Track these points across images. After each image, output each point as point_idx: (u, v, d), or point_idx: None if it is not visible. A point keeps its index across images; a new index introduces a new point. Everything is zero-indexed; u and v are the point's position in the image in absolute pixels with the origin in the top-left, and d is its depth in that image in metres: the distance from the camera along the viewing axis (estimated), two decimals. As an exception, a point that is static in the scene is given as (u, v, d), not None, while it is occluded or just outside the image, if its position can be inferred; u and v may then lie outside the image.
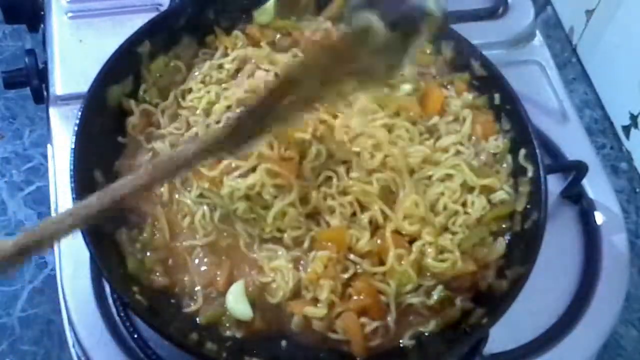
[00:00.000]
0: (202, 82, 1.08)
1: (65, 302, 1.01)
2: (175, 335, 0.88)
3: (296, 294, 0.94)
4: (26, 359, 1.55)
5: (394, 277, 0.94)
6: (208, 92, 1.06)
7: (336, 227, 0.95)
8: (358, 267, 0.95)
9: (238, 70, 1.09)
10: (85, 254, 0.97)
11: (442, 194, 1.00)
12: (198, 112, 1.05)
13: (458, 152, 1.04)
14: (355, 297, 0.93)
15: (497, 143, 1.06)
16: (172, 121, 1.06)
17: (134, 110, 1.04)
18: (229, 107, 1.03)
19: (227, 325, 0.93)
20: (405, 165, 0.99)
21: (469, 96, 1.10)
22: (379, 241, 0.95)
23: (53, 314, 1.57)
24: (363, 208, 0.97)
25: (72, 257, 1.03)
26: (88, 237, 0.89)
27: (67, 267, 1.03)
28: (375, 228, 0.97)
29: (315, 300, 0.93)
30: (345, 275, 0.94)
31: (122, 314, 0.98)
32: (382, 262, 0.95)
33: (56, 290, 1.09)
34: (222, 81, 1.08)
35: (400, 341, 0.94)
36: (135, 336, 0.97)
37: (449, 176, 1.01)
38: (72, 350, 1.06)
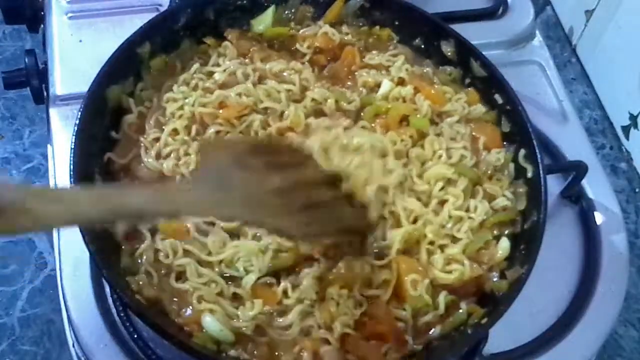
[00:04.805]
0: (187, 83, 1.06)
1: (65, 302, 1.01)
2: (175, 335, 0.88)
3: (307, 331, 0.92)
4: (26, 359, 1.55)
5: (409, 303, 0.94)
6: (185, 97, 1.04)
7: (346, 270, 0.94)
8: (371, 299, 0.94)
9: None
10: (85, 254, 0.97)
11: (446, 201, 1.00)
12: (167, 114, 1.03)
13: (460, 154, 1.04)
14: (370, 325, 0.92)
15: (499, 156, 1.06)
16: (156, 125, 1.03)
17: (133, 110, 1.04)
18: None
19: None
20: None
21: (482, 108, 1.10)
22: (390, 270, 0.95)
23: (53, 314, 1.57)
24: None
25: (72, 257, 1.03)
26: (88, 237, 0.89)
27: (67, 267, 1.03)
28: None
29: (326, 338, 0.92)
30: (359, 311, 0.92)
31: (122, 314, 0.98)
32: (396, 289, 0.94)
33: (56, 290, 1.09)
34: (208, 90, 1.05)
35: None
36: (135, 336, 0.97)
37: (450, 182, 1.01)
38: (72, 350, 1.07)
